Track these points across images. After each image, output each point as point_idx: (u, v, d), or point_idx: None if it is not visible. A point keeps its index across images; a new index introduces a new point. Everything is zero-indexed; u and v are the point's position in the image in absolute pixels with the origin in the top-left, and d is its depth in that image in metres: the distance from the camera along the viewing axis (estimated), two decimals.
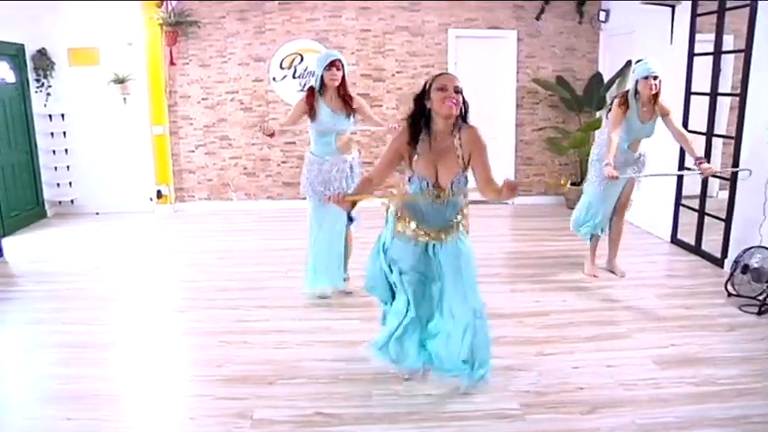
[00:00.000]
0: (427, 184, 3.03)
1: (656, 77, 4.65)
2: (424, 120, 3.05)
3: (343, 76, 4.49)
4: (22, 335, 4.35)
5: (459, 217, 3.22)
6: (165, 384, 3.62)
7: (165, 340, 4.25)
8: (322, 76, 4.45)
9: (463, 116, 3.03)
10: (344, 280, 4.85)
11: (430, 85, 3.01)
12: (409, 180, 3.09)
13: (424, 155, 3.02)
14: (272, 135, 4.57)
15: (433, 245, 3.20)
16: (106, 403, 3.34)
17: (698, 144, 5.90)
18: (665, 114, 4.81)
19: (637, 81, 4.74)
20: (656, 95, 4.72)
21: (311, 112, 4.52)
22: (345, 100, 4.55)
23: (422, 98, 3.05)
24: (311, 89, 4.55)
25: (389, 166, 3.15)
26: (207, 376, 3.64)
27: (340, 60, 4.46)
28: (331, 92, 4.51)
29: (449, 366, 3.28)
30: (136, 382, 3.63)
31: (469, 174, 3.11)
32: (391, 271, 3.28)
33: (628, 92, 4.87)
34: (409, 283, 3.23)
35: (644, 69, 4.69)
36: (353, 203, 3.26)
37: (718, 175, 5.53)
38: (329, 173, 4.62)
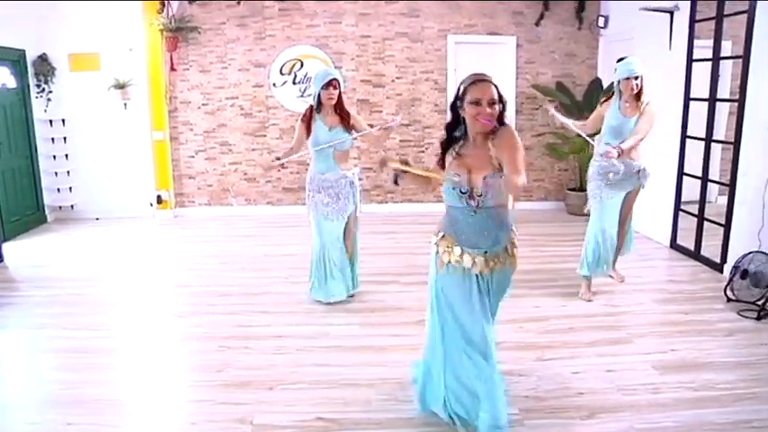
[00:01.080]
0: (458, 176, 2.77)
1: (636, 77, 4.62)
2: (462, 127, 2.85)
3: (340, 94, 4.60)
4: (23, 340, 4.36)
5: (507, 240, 2.90)
6: (166, 389, 3.63)
7: (165, 345, 4.26)
8: (319, 95, 4.54)
9: (500, 121, 2.78)
10: (352, 295, 4.98)
11: (463, 94, 2.77)
12: (443, 181, 2.83)
13: (459, 158, 2.84)
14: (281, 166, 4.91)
15: (484, 277, 2.87)
16: (107, 408, 3.34)
17: (697, 149, 5.94)
18: (642, 116, 4.67)
19: (619, 81, 4.71)
20: (638, 94, 4.68)
21: (307, 128, 4.63)
22: (342, 116, 4.64)
23: (455, 106, 2.84)
24: (310, 108, 4.66)
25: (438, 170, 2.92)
26: (207, 381, 3.64)
27: (336, 79, 4.56)
28: (328, 109, 4.61)
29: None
30: (137, 387, 3.64)
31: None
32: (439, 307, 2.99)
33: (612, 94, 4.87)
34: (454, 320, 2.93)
35: (625, 70, 4.65)
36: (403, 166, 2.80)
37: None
38: (330, 189, 4.68)
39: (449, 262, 2.87)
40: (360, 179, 4.89)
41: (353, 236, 4.93)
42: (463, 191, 2.77)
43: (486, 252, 2.83)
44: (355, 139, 4.78)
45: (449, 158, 2.88)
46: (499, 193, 2.76)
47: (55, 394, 3.49)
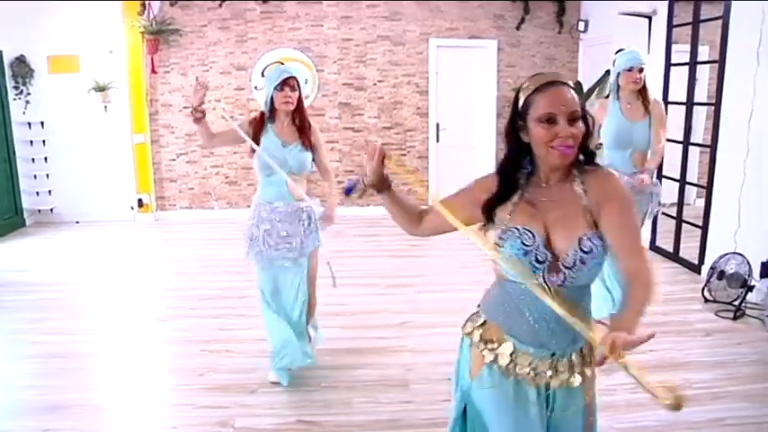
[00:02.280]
0: (532, 235, 1.69)
1: (641, 69, 3.94)
2: (528, 161, 1.79)
3: (300, 99, 3.44)
4: (0, 345, 4.31)
5: (585, 334, 1.60)
6: (147, 394, 3.61)
7: (146, 349, 4.23)
8: (272, 98, 3.39)
9: (585, 150, 1.75)
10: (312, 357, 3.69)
11: (525, 106, 1.72)
12: (499, 241, 1.72)
13: (522, 205, 1.76)
14: (199, 118, 3.51)
15: (546, 396, 1.78)
16: (87, 414, 3.32)
17: (675, 152, 6.01)
18: (656, 113, 4.04)
19: (618, 74, 4.00)
20: (642, 90, 3.99)
21: (254, 136, 3.45)
22: (302, 129, 3.48)
23: (515, 128, 1.77)
24: (261, 115, 3.52)
25: (463, 209, 1.81)
26: (189, 385, 3.63)
27: (295, 78, 3.38)
28: (283, 118, 3.45)
29: None
30: (117, 391, 3.62)
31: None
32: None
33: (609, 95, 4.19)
34: None
35: (628, 59, 3.94)
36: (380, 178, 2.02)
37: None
38: (280, 224, 3.49)
39: (492, 362, 1.77)
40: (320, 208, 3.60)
41: (314, 287, 3.74)
42: (540, 259, 1.69)
43: (553, 354, 1.74)
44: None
45: (506, 208, 1.77)
46: (600, 267, 1.72)
47: (34, 400, 3.45)
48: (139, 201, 8.04)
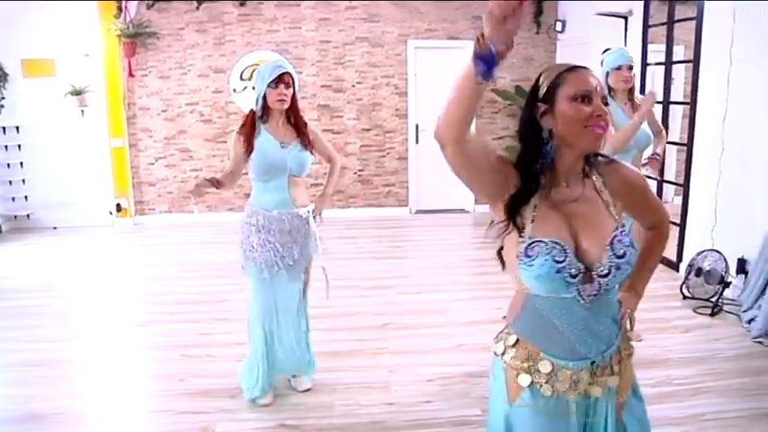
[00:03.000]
0: (564, 251, 1.55)
1: (630, 67, 3.78)
2: (547, 154, 1.62)
3: (295, 96, 3.23)
4: None
5: (621, 334, 1.71)
6: (127, 400, 3.57)
7: (126, 355, 4.18)
8: (265, 95, 3.18)
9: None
10: (291, 378, 3.60)
11: (552, 89, 1.59)
12: (525, 253, 1.56)
13: (545, 209, 1.61)
14: (216, 185, 3.29)
15: (595, 406, 1.68)
16: (67, 422, 3.27)
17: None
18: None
19: (607, 73, 3.81)
20: (631, 90, 3.86)
21: (247, 144, 3.20)
22: (299, 127, 3.29)
23: (533, 116, 1.63)
24: (251, 113, 3.28)
25: (485, 165, 1.58)
26: (169, 391, 3.60)
27: (290, 74, 3.18)
28: (277, 117, 3.25)
29: None
30: (97, 398, 3.58)
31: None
32: None
33: None
34: None
35: (616, 57, 3.78)
36: None
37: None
38: (282, 234, 3.27)
39: (531, 385, 1.64)
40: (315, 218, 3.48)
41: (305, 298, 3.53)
42: (574, 273, 1.55)
43: (593, 363, 1.63)
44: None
45: (527, 215, 1.60)
46: (631, 267, 1.63)
47: (12, 409, 3.40)
48: (118, 205, 7.96)
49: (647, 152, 4.04)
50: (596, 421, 1.69)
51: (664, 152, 3.99)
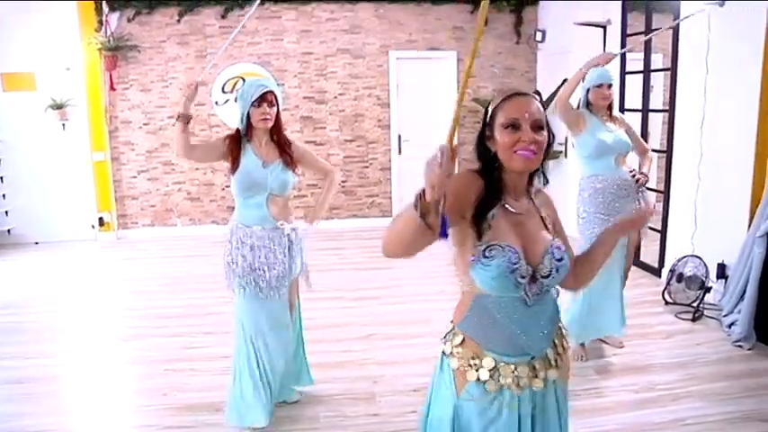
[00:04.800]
0: (516, 254, 1.73)
1: (610, 85, 3.94)
2: (496, 173, 1.82)
3: (278, 114, 3.22)
4: None
5: (558, 332, 1.91)
6: (111, 416, 3.55)
7: (109, 370, 4.15)
8: (248, 114, 3.15)
9: (543, 164, 1.85)
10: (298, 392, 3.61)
11: (492, 117, 1.80)
12: (482, 256, 1.73)
13: (500, 219, 1.78)
14: (185, 120, 3.27)
15: (530, 402, 1.82)
16: None
17: (633, 158, 6.13)
18: (628, 127, 4.10)
19: (588, 90, 3.98)
20: (610, 106, 4.01)
21: (233, 160, 3.18)
22: (282, 146, 3.26)
23: (483, 140, 1.85)
24: (236, 133, 3.24)
25: (456, 208, 1.69)
26: (153, 405, 3.58)
27: (273, 93, 3.16)
28: (261, 135, 3.21)
29: None
30: (80, 414, 3.55)
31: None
32: None
33: (578, 107, 4.08)
34: None
35: (596, 75, 3.94)
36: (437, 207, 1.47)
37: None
38: (261, 250, 3.22)
39: (477, 380, 1.79)
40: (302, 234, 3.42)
41: (298, 311, 3.56)
42: (524, 274, 1.74)
43: (533, 358, 1.81)
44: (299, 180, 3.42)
45: (486, 222, 1.76)
46: (566, 271, 1.85)
47: None
48: (100, 219, 7.91)
49: (631, 158, 4.15)
50: (547, 417, 1.85)
51: (648, 170, 4.10)
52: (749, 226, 4.53)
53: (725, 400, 3.48)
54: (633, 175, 3.97)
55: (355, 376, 3.86)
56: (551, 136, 1.80)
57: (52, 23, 7.36)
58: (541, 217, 1.86)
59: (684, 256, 4.98)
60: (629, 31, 6.20)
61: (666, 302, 5.00)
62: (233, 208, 3.38)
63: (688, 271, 4.87)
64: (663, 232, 5.70)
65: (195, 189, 8.12)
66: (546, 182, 1.91)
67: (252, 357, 3.21)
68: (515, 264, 1.71)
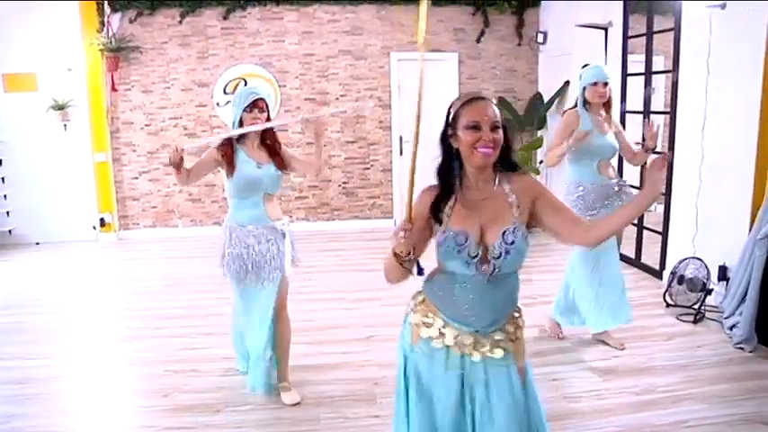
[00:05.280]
0: (465, 237, 2.00)
1: (606, 84, 4.04)
2: (457, 165, 2.10)
3: (268, 119, 3.46)
4: None
5: (512, 319, 2.13)
6: (112, 417, 3.54)
7: (110, 371, 4.15)
8: (241, 120, 3.38)
9: (506, 157, 2.10)
10: (281, 382, 3.68)
11: (455, 118, 2.06)
12: (440, 238, 2.05)
13: (459, 207, 2.07)
14: (178, 166, 3.24)
15: (472, 366, 2.08)
16: None
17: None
18: (617, 130, 4.21)
19: (584, 88, 4.08)
20: (606, 104, 4.11)
21: (229, 166, 3.38)
22: (272, 149, 3.50)
23: (446, 137, 2.10)
24: (228, 141, 3.44)
25: (422, 236, 2.08)
26: (154, 406, 3.58)
27: (263, 100, 3.40)
28: (253, 138, 3.45)
29: None
30: (81, 416, 3.55)
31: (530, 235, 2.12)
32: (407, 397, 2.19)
33: (575, 106, 4.18)
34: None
35: (593, 74, 4.05)
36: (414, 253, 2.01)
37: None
38: (255, 246, 3.41)
39: (428, 338, 2.10)
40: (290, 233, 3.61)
41: (285, 312, 3.67)
42: (472, 254, 2.00)
43: (477, 331, 2.06)
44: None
45: (446, 212, 2.07)
46: (522, 255, 2.03)
47: None
48: (102, 220, 7.92)
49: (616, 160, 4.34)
50: (492, 402, 2.07)
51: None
52: (750, 228, 4.53)
53: (726, 402, 3.47)
54: (645, 149, 4.02)
55: (356, 378, 3.86)
56: (508, 133, 2.07)
57: (54, 24, 7.38)
58: (509, 203, 2.06)
59: (685, 259, 4.98)
60: (630, 33, 6.20)
61: (667, 305, 4.99)
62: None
63: (689, 273, 4.86)
64: (664, 234, 5.70)
65: (196, 190, 8.13)
66: (516, 169, 2.13)
67: (238, 334, 3.70)
68: (462, 245, 2.00)
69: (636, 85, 6.16)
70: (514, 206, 2.05)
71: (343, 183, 8.38)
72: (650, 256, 5.99)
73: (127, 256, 7.29)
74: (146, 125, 7.94)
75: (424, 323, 2.11)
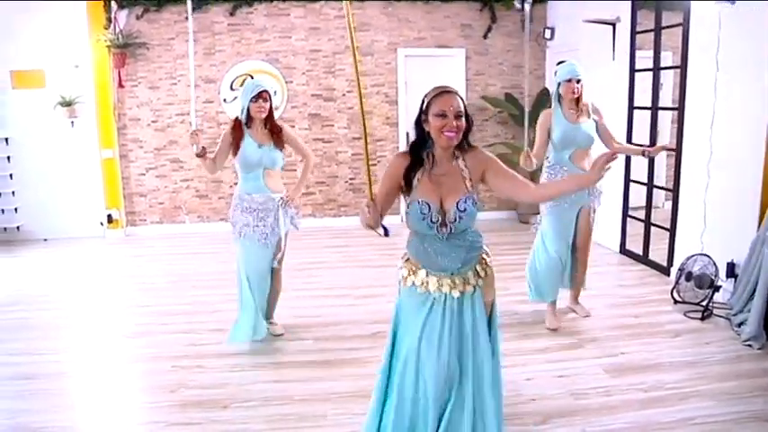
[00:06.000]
0: (428, 206, 2.55)
1: (578, 80, 4.34)
2: (429, 144, 2.62)
3: (271, 108, 4.22)
4: None
5: (481, 261, 2.70)
6: (118, 413, 3.55)
7: (116, 367, 4.16)
8: (248, 108, 4.13)
9: (465, 138, 2.61)
10: (269, 325, 4.50)
11: (427, 106, 2.57)
12: (408, 208, 2.60)
13: (425, 180, 2.60)
14: (202, 155, 4.06)
15: (450, 305, 2.63)
16: None
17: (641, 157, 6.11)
18: (598, 118, 4.49)
19: (559, 84, 4.43)
20: (578, 99, 4.40)
21: (234, 147, 4.17)
22: (273, 131, 4.25)
23: (420, 121, 2.62)
24: (237, 121, 4.22)
25: (390, 197, 2.63)
26: (160, 402, 3.58)
27: (267, 91, 4.17)
28: (257, 124, 4.20)
29: None
30: (87, 411, 3.56)
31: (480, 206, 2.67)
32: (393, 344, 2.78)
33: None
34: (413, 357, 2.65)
35: (566, 71, 4.38)
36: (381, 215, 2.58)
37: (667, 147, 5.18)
38: (259, 212, 4.23)
39: (413, 285, 2.66)
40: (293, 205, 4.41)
41: (280, 270, 4.48)
42: (434, 220, 2.55)
43: (452, 274, 2.62)
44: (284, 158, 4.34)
45: (414, 184, 2.60)
46: (472, 217, 2.59)
47: (1, 424, 3.37)
48: (109, 216, 7.94)
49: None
50: (462, 320, 2.65)
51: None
52: (759, 225, 4.50)
53: (734, 399, 3.46)
54: (646, 152, 4.58)
55: (362, 374, 3.84)
56: (470, 120, 2.58)
57: (61, 21, 7.40)
58: (463, 176, 2.60)
59: (693, 255, 4.95)
60: (638, 29, 6.16)
61: (675, 301, 4.97)
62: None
63: (697, 270, 4.83)
64: (671, 231, 5.67)
65: (203, 186, 8.14)
66: (469, 146, 2.64)
67: (245, 287, 4.26)
68: (425, 213, 2.55)
69: (644, 81, 6.13)
70: (467, 179, 2.61)
71: (350, 179, 8.37)
72: (658, 253, 5.96)
73: (134, 252, 7.31)
74: (152, 121, 7.95)
75: (411, 274, 2.68)
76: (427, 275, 2.63)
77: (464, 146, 2.62)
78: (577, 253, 4.73)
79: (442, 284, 2.61)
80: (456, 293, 2.62)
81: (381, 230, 2.71)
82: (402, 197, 2.66)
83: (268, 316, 4.51)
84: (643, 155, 4.63)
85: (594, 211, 4.66)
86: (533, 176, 5.38)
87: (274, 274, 4.40)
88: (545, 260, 4.63)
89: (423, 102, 2.60)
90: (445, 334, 2.61)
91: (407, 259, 2.73)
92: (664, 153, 6.37)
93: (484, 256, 2.73)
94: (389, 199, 2.63)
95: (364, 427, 2.83)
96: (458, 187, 2.59)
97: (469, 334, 2.65)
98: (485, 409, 2.66)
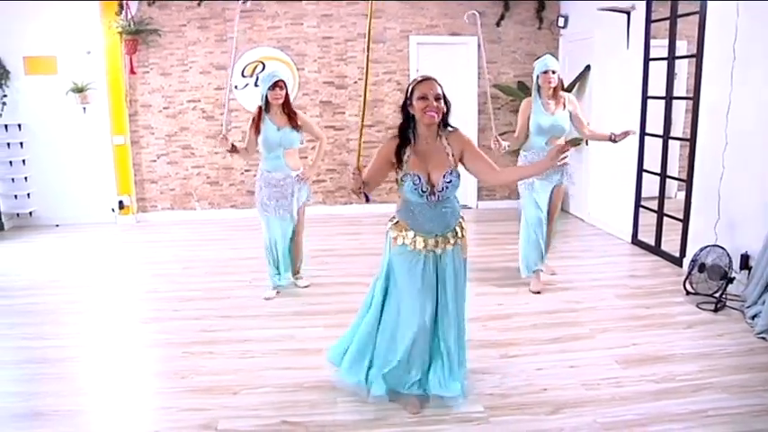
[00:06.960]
0: (419, 178, 3.07)
1: (554, 72, 4.91)
2: (412, 125, 3.14)
3: (287, 94, 4.84)
4: None
5: (459, 225, 3.26)
6: (129, 398, 3.57)
7: (128, 353, 4.19)
8: (266, 96, 4.77)
9: (445, 120, 3.14)
10: (295, 279, 5.32)
11: (411, 92, 3.08)
12: (401, 180, 3.13)
13: (414, 157, 3.12)
14: (233, 150, 4.82)
15: (434, 259, 3.20)
16: (68, 419, 3.28)
17: (655, 146, 6.06)
18: (572, 108, 5.04)
19: (537, 76, 4.97)
20: (555, 89, 4.95)
21: (256, 129, 4.84)
22: (290, 116, 4.87)
23: (405, 104, 3.13)
24: (259, 108, 4.87)
25: (380, 172, 3.18)
26: (171, 388, 3.60)
27: (282, 80, 4.80)
28: (276, 109, 4.83)
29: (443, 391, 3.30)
30: (99, 396, 3.57)
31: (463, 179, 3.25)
32: (384, 296, 3.35)
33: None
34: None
35: (542, 65, 4.95)
36: (365, 184, 3.10)
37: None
38: (278, 188, 4.91)
39: (402, 244, 3.18)
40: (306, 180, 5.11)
41: (301, 235, 5.23)
42: (424, 190, 3.08)
43: (436, 235, 3.17)
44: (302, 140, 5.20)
45: (405, 158, 3.12)
46: (455, 187, 3.15)
47: (14, 407, 3.40)
48: (120, 203, 7.96)
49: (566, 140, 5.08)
50: (445, 273, 3.20)
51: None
52: None
53: (747, 392, 3.43)
54: (614, 137, 4.94)
55: None
56: (448, 103, 3.10)
57: (73, 7, 7.39)
58: (447, 153, 3.13)
59: (707, 246, 4.90)
60: (653, 17, 6.10)
61: (687, 292, 4.93)
62: (252, 192, 4.80)
63: (710, 261, 4.79)
64: (685, 221, 5.62)
65: (214, 173, 8.15)
66: (448, 126, 3.18)
67: (270, 249, 5.09)
68: (416, 184, 3.07)
69: (658, 71, 6.07)
70: (450, 154, 3.14)
71: (363, 167, 8.33)
72: (670, 244, 5.92)
73: (145, 238, 7.33)
74: (164, 108, 7.96)
75: (400, 235, 3.19)
76: (415, 236, 3.16)
77: (446, 127, 3.16)
78: (546, 221, 5.25)
79: (428, 244, 3.15)
80: (439, 250, 3.18)
81: (363, 197, 3.13)
82: (395, 172, 3.16)
83: (295, 272, 5.31)
84: (611, 139, 4.95)
85: (567, 188, 5.39)
86: (515, 155, 5.72)
87: (295, 237, 5.15)
88: (525, 235, 5.22)
89: (407, 90, 3.13)
90: (433, 281, 3.20)
91: (396, 222, 3.25)
92: (677, 143, 6.33)
93: (461, 220, 3.28)
94: (380, 173, 3.18)
95: (332, 351, 3.55)
96: (443, 162, 3.12)
97: (452, 277, 3.22)
98: (449, 328, 3.28)
